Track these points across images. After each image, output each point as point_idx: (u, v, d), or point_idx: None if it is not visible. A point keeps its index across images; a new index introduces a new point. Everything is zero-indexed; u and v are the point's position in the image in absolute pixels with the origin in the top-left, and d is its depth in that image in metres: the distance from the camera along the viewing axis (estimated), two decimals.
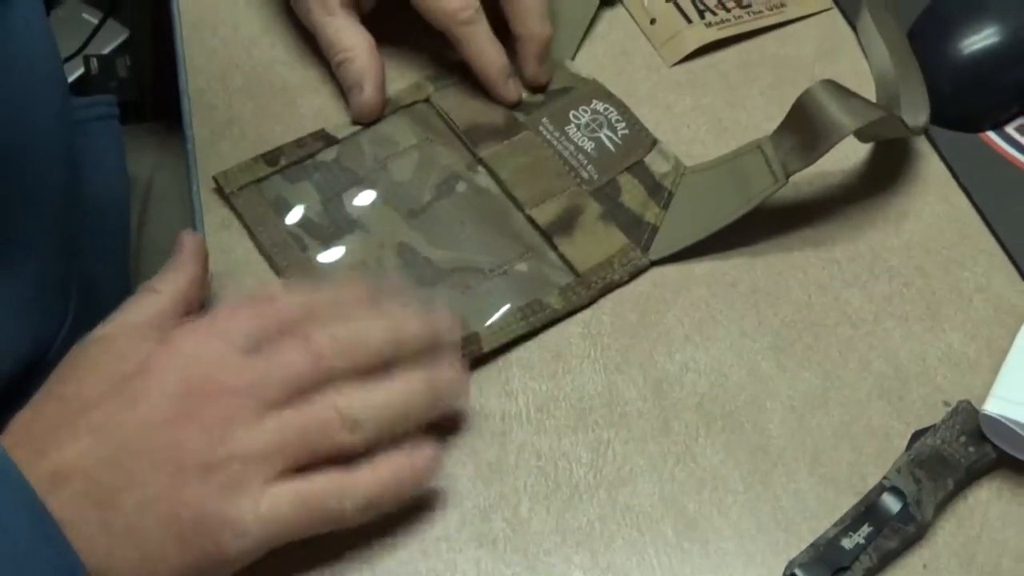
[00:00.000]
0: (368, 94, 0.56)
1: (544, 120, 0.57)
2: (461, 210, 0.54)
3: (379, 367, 0.44)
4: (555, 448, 0.47)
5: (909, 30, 0.60)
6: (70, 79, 1.05)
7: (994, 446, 0.46)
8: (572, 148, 0.56)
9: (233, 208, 0.54)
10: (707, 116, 0.59)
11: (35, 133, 0.53)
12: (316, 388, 0.43)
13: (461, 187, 0.55)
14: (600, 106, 0.58)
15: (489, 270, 0.52)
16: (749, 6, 0.63)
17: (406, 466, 0.44)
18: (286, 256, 0.52)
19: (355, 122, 0.57)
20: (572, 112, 0.57)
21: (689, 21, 0.62)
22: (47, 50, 0.55)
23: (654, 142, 0.56)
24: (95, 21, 1.11)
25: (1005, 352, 0.48)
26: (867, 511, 0.45)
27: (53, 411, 0.42)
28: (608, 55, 0.61)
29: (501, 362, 0.50)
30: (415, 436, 0.44)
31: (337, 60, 0.57)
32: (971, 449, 0.46)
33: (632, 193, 0.54)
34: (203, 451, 0.40)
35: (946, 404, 0.49)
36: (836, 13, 0.64)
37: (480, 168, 0.55)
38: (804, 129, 0.51)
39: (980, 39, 0.57)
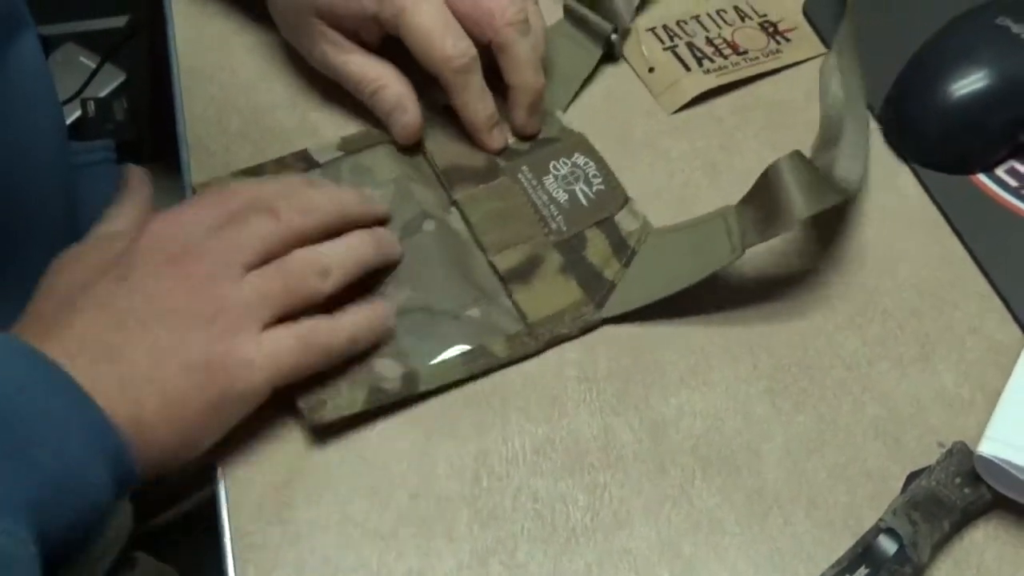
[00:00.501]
0: (411, 114, 0.57)
1: (524, 167, 0.57)
2: (425, 250, 0.54)
3: (331, 230, 0.50)
4: (552, 491, 0.47)
5: (898, 75, 0.61)
6: (68, 122, 1.05)
7: (989, 487, 0.46)
8: (546, 198, 0.56)
9: None
10: (702, 160, 0.59)
11: (34, 177, 0.53)
12: (286, 247, 0.48)
13: (428, 226, 0.55)
14: (581, 160, 0.58)
15: (442, 312, 0.52)
16: (746, 52, 0.63)
17: (375, 310, 0.50)
18: None
19: (344, 145, 0.58)
20: (553, 163, 0.58)
21: (688, 69, 0.62)
22: (46, 94, 0.55)
23: (626, 200, 0.57)
24: (93, 65, 1.12)
25: (999, 393, 0.48)
26: (864, 553, 0.45)
27: (49, 304, 0.46)
28: (604, 101, 0.62)
29: (497, 405, 0.50)
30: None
31: (370, 91, 0.58)
32: (967, 490, 0.46)
33: (597, 248, 0.55)
34: (198, 305, 0.45)
35: (941, 445, 0.49)
36: None
37: (453, 209, 0.56)
38: (765, 205, 0.51)
39: (968, 83, 0.58)
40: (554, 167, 0.57)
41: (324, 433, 0.48)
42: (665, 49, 0.63)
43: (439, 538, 0.46)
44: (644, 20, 0.66)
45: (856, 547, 0.45)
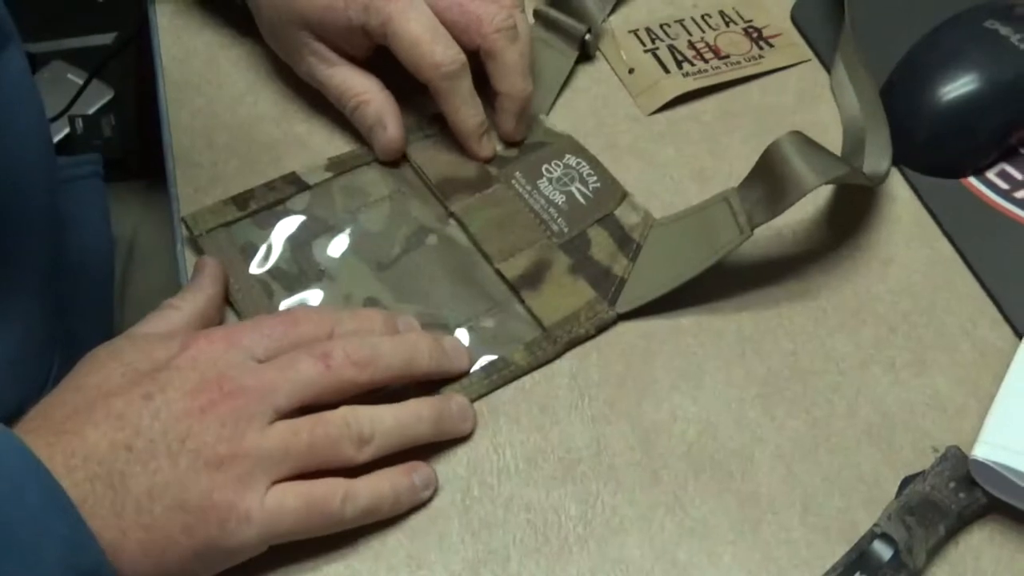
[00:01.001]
0: (391, 131, 0.57)
1: (517, 174, 0.57)
2: (430, 263, 0.54)
3: (389, 386, 0.47)
4: (544, 501, 0.47)
5: (888, 79, 0.61)
6: (55, 139, 1.05)
7: (984, 491, 0.46)
8: (543, 201, 0.56)
9: (201, 251, 0.54)
10: (689, 166, 0.59)
11: (21, 191, 0.53)
12: (328, 401, 0.45)
13: (431, 240, 0.55)
14: (573, 160, 0.58)
15: (456, 326, 0.52)
16: (727, 57, 0.63)
17: (405, 484, 0.46)
18: (251, 302, 0.52)
19: (331, 166, 0.57)
20: (545, 166, 0.58)
21: (667, 71, 0.62)
22: (34, 112, 0.55)
23: (624, 195, 0.57)
24: (80, 82, 1.12)
25: (992, 397, 0.48)
26: (859, 559, 0.45)
27: (72, 399, 0.43)
28: (589, 107, 0.62)
29: (488, 414, 0.49)
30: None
31: (352, 105, 0.57)
32: (961, 495, 0.46)
33: (601, 246, 0.54)
34: (215, 445, 0.42)
35: (935, 450, 0.49)
36: (816, 63, 0.65)
37: (451, 221, 0.56)
38: (769, 182, 0.51)
39: (958, 86, 0.58)
40: (547, 170, 0.57)
41: None
42: (646, 51, 0.63)
43: (431, 549, 0.45)
44: (626, 22, 0.66)
45: (851, 553, 0.45)
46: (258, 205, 0.55)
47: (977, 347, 0.52)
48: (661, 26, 0.65)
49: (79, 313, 0.62)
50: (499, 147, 0.59)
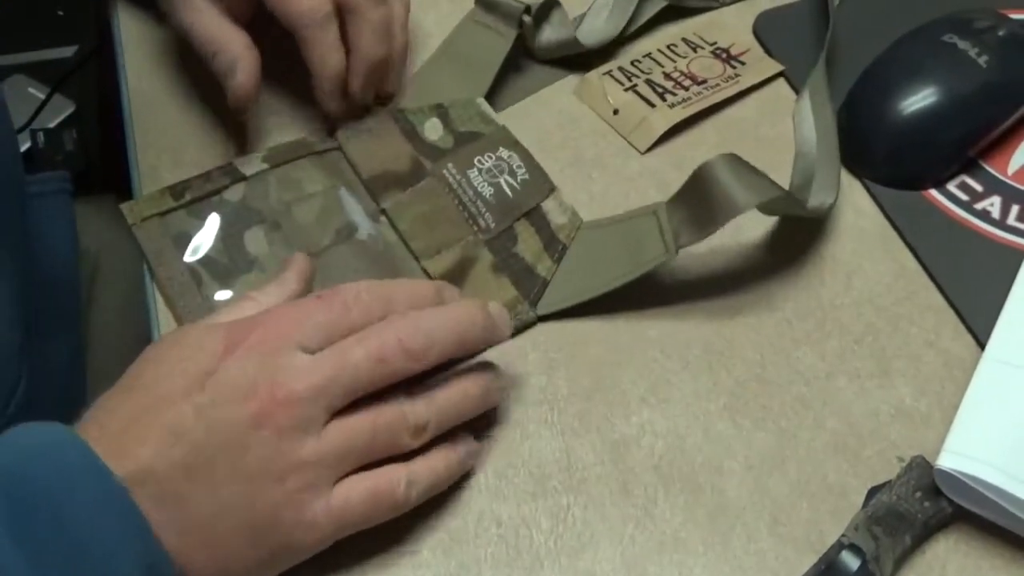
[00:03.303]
0: (240, 78, 0.55)
1: (449, 165, 0.57)
2: (357, 258, 0.55)
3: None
4: (515, 515, 0.47)
5: (849, 92, 0.61)
6: None
7: (950, 501, 0.47)
8: (472, 193, 0.56)
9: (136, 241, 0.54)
10: (655, 178, 0.59)
11: None
12: (381, 390, 0.44)
13: (361, 234, 0.55)
14: (505, 153, 0.58)
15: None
16: (705, 81, 0.63)
17: (455, 459, 0.47)
18: (181, 293, 0.53)
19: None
20: (477, 157, 0.58)
21: (652, 105, 0.62)
22: (4, 124, 0.55)
23: (552, 188, 0.57)
24: (41, 95, 1.11)
25: (956, 406, 0.48)
26: (827, 570, 0.45)
27: (129, 405, 0.42)
28: (555, 121, 0.62)
29: (458, 428, 0.49)
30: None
31: (211, 54, 0.56)
32: (927, 504, 0.47)
33: (528, 243, 0.55)
34: (275, 459, 0.42)
35: (900, 460, 0.49)
36: (781, 78, 0.65)
37: (383, 218, 0.56)
38: (698, 202, 0.51)
39: (917, 99, 0.58)
40: (478, 161, 0.58)
41: None
42: (626, 90, 0.63)
43: (402, 566, 0.45)
44: (597, 66, 0.65)
45: (819, 564, 0.45)
46: (193, 195, 0.56)
47: (940, 357, 0.53)
48: (632, 63, 0.64)
49: (47, 328, 0.61)
50: (436, 135, 0.59)
